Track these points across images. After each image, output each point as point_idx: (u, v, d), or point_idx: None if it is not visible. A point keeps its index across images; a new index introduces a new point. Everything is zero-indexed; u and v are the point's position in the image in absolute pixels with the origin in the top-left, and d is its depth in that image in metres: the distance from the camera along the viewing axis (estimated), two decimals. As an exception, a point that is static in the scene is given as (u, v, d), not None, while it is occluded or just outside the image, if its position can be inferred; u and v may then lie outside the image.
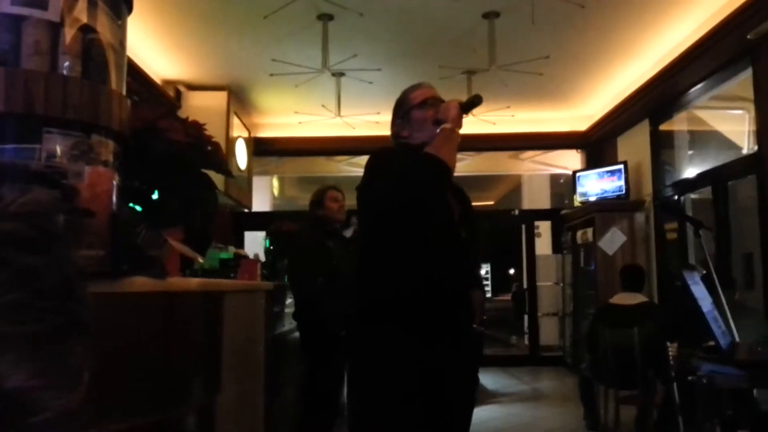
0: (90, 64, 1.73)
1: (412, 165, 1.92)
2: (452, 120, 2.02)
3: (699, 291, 2.49)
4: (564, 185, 9.59)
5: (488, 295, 12.38)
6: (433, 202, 1.95)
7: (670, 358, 3.29)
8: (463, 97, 6.73)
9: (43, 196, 0.78)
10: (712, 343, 2.48)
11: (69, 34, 1.69)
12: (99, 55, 1.74)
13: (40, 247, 0.74)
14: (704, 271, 3.00)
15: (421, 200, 1.91)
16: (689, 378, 2.63)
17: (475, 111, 7.28)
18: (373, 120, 6.35)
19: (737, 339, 2.63)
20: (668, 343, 3.35)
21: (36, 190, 0.91)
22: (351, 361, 2.01)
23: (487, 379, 7.10)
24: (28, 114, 1.59)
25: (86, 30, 1.72)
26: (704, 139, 6.51)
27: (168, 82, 6.29)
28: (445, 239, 1.96)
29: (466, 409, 2.03)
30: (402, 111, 2.15)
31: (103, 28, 1.76)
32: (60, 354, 0.75)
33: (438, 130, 2.01)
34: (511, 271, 15.60)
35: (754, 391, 2.66)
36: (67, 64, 1.68)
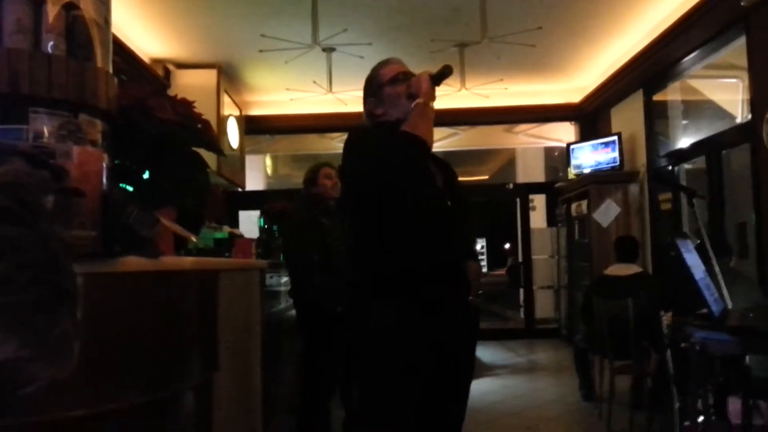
0: (74, 42, 1.70)
1: (390, 145, 1.93)
2: (425, 94, 2.03)
3: (692, 259, 2.51)
4: (558, 158, 9.58)
5: (484, 269, 12.43)
6: (415, 178, 1.95)
7: (664, 326, 3.32)
8: (455, 70, 6.65)
9: (23, 168, 0.78)
10: (704, 310, 2.50)
11: (52, 11, 1.66)
12: (83, 33, 1.71)
13: (19, 218, 0.73)
14: (698, 240, 3.02)
15: (402, 178, 1.93)
16: (682, 345, 2.66)
17: (467, 84, 7.20)
18: (365, 96, 6.26)
19: (729, 306, 2.65)
20: (662, 312, 3.38)
21: (15, 161, 0.89)
22: (355, 337, 2.05)
23: (484, 353, 7.17)
24: (14, 94, 1.57)
25: (69, 7, 1.69)
26: (698, 108, 6.50)
27: (156, 61, 6.21)
28: (431, 211, 1.97)
29: (467, 378, 2.07)
30: (373, 89, 2.15)
31: (87, 4, 1.73)
32: (47, 324, 0.75)
33: (412, 106, 2.01)
34: (506, 245, 15.66)
35: (746, 357, 2.70)
36: (51, 42, 1.66)
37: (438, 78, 2.08)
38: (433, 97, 2.06)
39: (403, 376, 1.88)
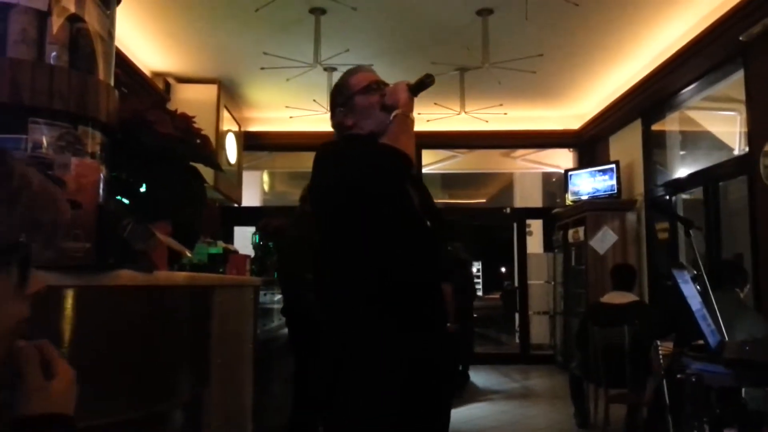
0: (77, 54, 1.70)
1: (369, 158, 1.79)
2: (403, 105, 1.87)
3: (688, 289, 2.50)
4: (556, 184, 9.61)
5: (479, 293, 12.38)
6: (396, 194, 1.83)
7: (660, 356, 3.30)
8: (455, 94, 6.60)
9: None
10: (701, 341, 2.49)
11: (56, 23, 1.67)
12: (87, 45, 1.72)
13: None
14: (695, 272, 3.01)
15: (383, 193, 1.79)
16: (678, 376, 2.64)
17: (467, 108, 7.19)
18: (365, 116, 6.29)
19: (727, 338, 2.63)
20: (659, 342, 3.36)
21: None
22: (328, 354, 1.86)
23: (478, 377, 7.11)
24: (14, 103, 1.57)
25: (74, 19, 1.70)
26: (696, 139, 6.54)
27: (157, 75, 6.24)
28: (412, 230, 1.85)
29: (448, 398, 1.98)
30: (343, 98, 1.98)
31: (91, 17, 1.74)
32: None
33: (391, 117, 1.87)
34: (503, 270, 15.62)
35: (743, 389, 2.67)
36: (54, 53, 1.66)
37: (417, 88, 1.91)
38: (412, 108, 1.90)
39: (380, 396, 1.74)
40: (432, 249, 1.89)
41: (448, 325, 1.98)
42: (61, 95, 1.61)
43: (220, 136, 6.53)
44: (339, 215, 1.83)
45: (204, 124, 2.34)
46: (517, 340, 8.87)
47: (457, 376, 6.48)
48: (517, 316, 8.86)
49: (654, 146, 6.57)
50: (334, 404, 1.79)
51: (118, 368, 1.61)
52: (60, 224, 0.85)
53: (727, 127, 5.91)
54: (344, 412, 1.77)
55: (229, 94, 6.81)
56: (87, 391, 1.53)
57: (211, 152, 2.33)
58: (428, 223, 1.90)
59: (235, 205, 7.56)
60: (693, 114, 6.31)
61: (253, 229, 5.06)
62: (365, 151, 1.81)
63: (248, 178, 8.29)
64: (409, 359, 1.77)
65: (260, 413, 3.20)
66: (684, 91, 5.74)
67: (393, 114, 1.87)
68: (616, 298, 4.43)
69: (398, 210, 1.83)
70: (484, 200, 12.83)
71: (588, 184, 7.31)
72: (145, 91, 5.70)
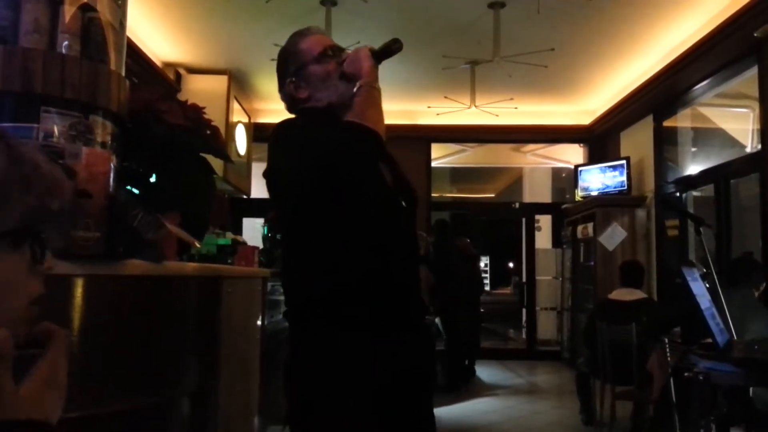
0: (89, 43, 1.71)
1: (334, 138, 1.52)
2: (367, 74, 1.63)
3: (697, 288, 2.48)
4: (565, 179, 9.57)
5: (486, 288, 12.37)
6: (367, 178, 1.58)
7: (667, 353, 3.29)
8: (466, 88, 6.57)
9: None
10: (709, 340, 2.48)
11: (68, 12, 1.67)
12: (98, 35, 1.72)
13: None
14: (704, 269, 2.99)
15: (353, 179, 1.54)
16: (685, 374, 2.63)
17: (477, 101, 7.15)
18: (375, 109, 6.28)
19: (735, 337, 2.62)
20: (665, 339, 3.34)
21: None
22: (291, 364, 1.63)
23: (484, 372, 7.12)
24: (26, 93, 1.58)
25: (86, 9, 1.70)
26: (708, 136, 6.49)
27: (168, 65, 6.25)
28: (386, 215, 1.60)
29: (429, 399, 1.70)
30: (294, 67, 1.72)
31: (103, 7, 1.74)
32: None
33: (355, 90, 1.62)
34: (511, 265, 15.59)
35: (750, 389, 2.66)
36: (66, 43, 1.66)
37: (382, 54, 1.67)
38: (376, 78, 1.65)
39: (354, 406, 1.50)
40: (409, 236, 1.67)
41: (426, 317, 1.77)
42: (72, 85, 1.62)
43: (230, 127, 6.54)
44: (305, 203, 1.57)
45: (214, 115, 2.34)
46: (524, 336, 8.87)
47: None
48: (524, 311, 8.85)
49: (665, 142, 6.53)
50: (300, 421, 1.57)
51: (125, 357, 1.62)
52: (66, 206, 0.87)
53: (740, 124, 5.86)
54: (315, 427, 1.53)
55: (240, 85, 6.81)
56: (93, 379, 1.54)
57: (221, 143, 2.33)
58: (403, 203, 1.66)
59: (244, 196, 7.58)
60: (705, 110, 6.26)
61: (262, 220, 5.07)
62: (330, 131, 1.54)
63: (257, 169, 8.28)
64: (385, 366, 1.54)
65: (267, 404, 3.22)
66: (696, 87, 5.69)
67: (357, 85, 1.62)
68: (624, 295, 4.41)
69: (371, 193, 1.58)
70: (493, 195, 12.80)
71: (598, 179, 7.27)
72: (155, 82, 5.72)
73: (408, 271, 1.63)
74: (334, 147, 1.51)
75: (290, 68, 1.73)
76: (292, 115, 1.76)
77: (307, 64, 1.70)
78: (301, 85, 1.71)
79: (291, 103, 1.76)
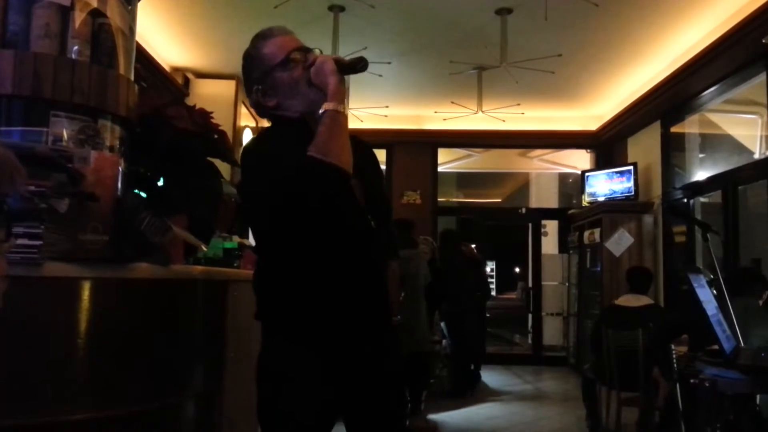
0: (99, 48, 1.73)
1: (298, 175, 1.47)
2: (333, 94, 1.53)
3: (704, 294, 2.47)
4: (572, 185, 9.55)
5: (492, 293, 12.35)
6: (332, 213, 1.53)
7: (674, 358, 3.28)
8: (473, 93, 6.55)
9: None
10: (716, 346, 2.46)
11: (79, 18, 1.69)
12: (108, 40, 1.74)
13: None
14: (711, 276, 2.98)
15: (312, 213, 1.50)
16: (691, 381, 2.62)
17: (484, 107, 7.15)
18: (381, 113, 6.34)
19: (742, 343, 2.61)
20: (673, 346, 3.33)
21: None
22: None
23: (489, 377, 7.10)
24: (36, 97, 1.60)
25: (96, 14, 1.72)
26: (715, 142, 6.46)
27: (176, 70, 6.28)
28: (347, 239, 1.58)
29: (400, 403, 1.75)
30: (258, 73, 1.64)
31: (113, 13, 1.76)
32: None
33: (320, 113, 1.52)
34: (517, 270, 15.56)
35: (757, 396, 2.65)
36: (75, 48, 1.68)
37: (347, 69, 1.59)
38: (343, 98, 1.55)
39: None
40: (373, 257, 1.64)
41: (394, 318, 1.76)
42: (81, 89, 1.64)
43: (238, 131, 6.56)
44: (268, 227, 1.60)
45: (222, 119, 2.36)
46: (530, 341, 8.84)
47: (465, 377, 6.47)
48: (530, 316, 8.83)
49: (673, 148, 6.51)
50: None
51: (132, 360, 1.63)
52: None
53: (748, 130, 5.83)
54: None
55: (247, 89, 6.84)
56: (100, 382, 1.55)
57: (228, 148, 2.35)
58: (372, 223, 1.63)
59: (251, 200, 7.59)
60: (713, 117, 6.23)
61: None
62: (293, 164, 1.47)
63: (264, 173, 8.32)
64: (328, 381, 1.55)
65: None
66: (704, 93, 5.67)
67: (321, 110, 1.52)
68: (630, 300, 4.39)
69: (333, 221, 1.54)
70: (499, 200, 12.78)
71: (605, 185, 7.25)
72: (164, 86, 5.75)
73: (366, 288, 1.61)
74: (296, 191, 1.47)
75: (254, 74, 1.66)
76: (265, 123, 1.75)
77: (272, 71, 1.62)
78: (268, 92, 1.64)
79: (260, 111, 1.70)
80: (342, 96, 1.55)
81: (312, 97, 1.58)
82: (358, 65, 1.58)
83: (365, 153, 1.71)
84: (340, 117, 1.52)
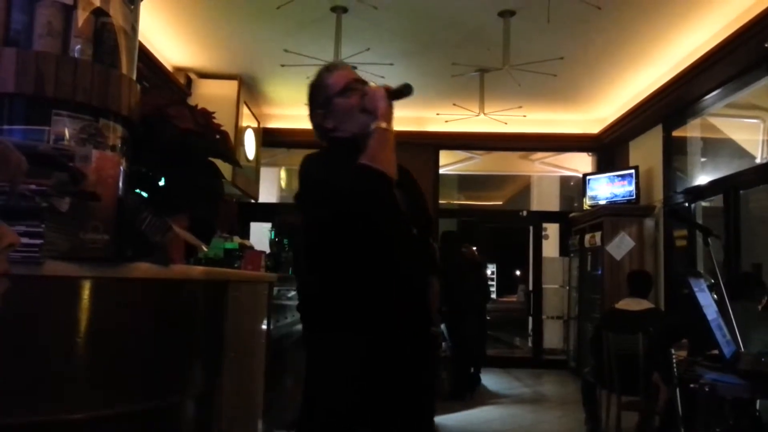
0: (101, 47, 1.73)
1: (349, 180, 1.71)
2: (383, 116, 1.78)
3: (704, 298, 2.47)
4: (574, 188, 9.55)
5: (493, 296, 12.34)
6: (379, 215, 1.75)
7: (674, 362, 3.27)
8: (475, 95, 6.57)
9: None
10: (716, 351, 2.46)
11: (82, 17, 1.69)
12: (110, 39, 1.74)
13: None
14: (712, 280, 2.97)
15: (363, 217, 1.73)
16: (691, 385, 2.61)
17: (486, 109, 7.16)
18: (384, 115, 6.30)
19: (742, 348, 2.60)
20: (673, 351, 3.32)
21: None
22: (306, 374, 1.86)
23: (489, 380, 7.09)
24: (38, 96, 1.60)
25: (99, 13, 1.72)
26: (717, 146, 6.45)
27: (179, 69, 6.29)
28: (396, 244, 1.79)
29: (429, 412, 1.95)
30: (321, 99, 1.91)
31: (116, 12, 1.76)
32: None
33: (370, 130, 1.77)
34: (517, 273, 15.54)
35: (757, 401, 2.64)
36: (78, 47, 1.68)
37: (395, 95, 1.83)
38: (391, 118, 1.81)
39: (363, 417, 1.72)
40: (417, 260, 1.85)
41: (432, 329, 1.94)
42: (84, 88, 1.64)
43: (240, 132, 6.57)
44: (324, 233, 1.79)
45: (224, 119, 2.36)
46: (530, 344, 8.83)
47: (465, 379, 6.46)
48: (530, 319, 8.82)
49: (674, 152, 6.50)
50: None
51: (132, 359, 1.63)
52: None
53: (750, 134, 5.83)
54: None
55: (249, 90, 6.85)
56: (99, 381, 1.55)
57: (230, 148, 2.35)
58: (414, 231, 1.84)
59: (252, 201, 7.60)
60: (715, 121, 6.23)
61: (269, 225, 5.09)
62: (346, 172, 1.71)
63: (266, 174, 8.33)
64: (390, 376, 1.73)
65: (271, 408, 3.22)
66: (706, 97, 5.66)
67: (372, 127, 1.77)
68: (631, 304, 4.39)
69: (381, 226, 1.75)
70: (500, 202, 12.78)
71: (606, 188, 7.25)
72: (166, 86, 5.76)
73: (412, 290, 1.81)
74: (347, 191, 1.70)
75: (318, 100, 1.92)
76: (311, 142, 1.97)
77: (332, 98, 1.88)
78: (327, 116, 1.90)
79: (319, 132, 1.95)
80: (390, 117, 1.80)
81: (364, 121, 1.81)
82: (405, 91, 1.83)
83: (409, 175, 1.96)
84: (388, 134, 1.78)
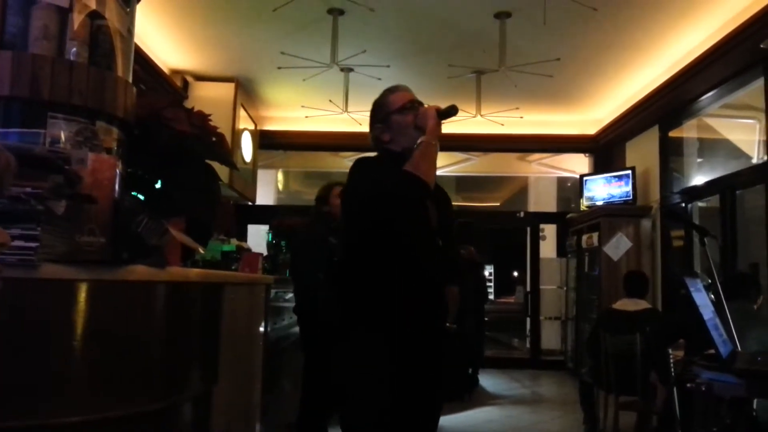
0: (97, 50, 1.73)
1: (392, 183, 1.97)
2: (430, 132, 2.03)
3: (700, 298, 2.48)
4: (571, 189, 9.55)
5: (491, 297, 12.34)
6: (411, 220, 2.01)
7: (671, 362, 3.28)
8: (471, 97, 6.61)
9: None
10: (713, 351, 2.47)
11: (77, 19, 1.69)
12: (106, 42, 1.74)
13: None
14: (709, 280, 2.98)
15: (399, 217, 1.98)
16: (688, 385, 2.62)
17: (483, 111, 7.19)
18: (380, 117, 6.30)
19: (739, 348, 2.61)
20: (670, 351, 3.33)
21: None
22: (337, 369, 2.08)
23: (487, 381, 7.09)
24: (34, 99, 1.60)
25: (94, 16, 1.72)
26: (713, 147, 6.47)
27: (175, 72, 6.29)
28: (421, 251, 2.03)
29: (435, 408, 2.11)
30: (382, 114, 2.17)
31: (112, 14, 1.76)
32: None
33: (417, 143, 2.03)
34: (515, 274, 15.56)
35: (754, 401, 2.65)
36: (74, 49, 1.68)
37: (444, 115, 2.08)
38: (438, 135, 2.06)
39: (383, 407, 1.93)
40: (437, 268, 2.06)
41: (448, 324, 2.15)
42: (79, 91, 1.64)
43: (236, 134, 6.57)
44: (360, 225, 2.05)
45: (220, 122, 2.36)
46: (528, 345, 8.83)
47: (463, 380, 6.46)
48: (528, 320, 8.82)
49: (671, 153, 6.52)
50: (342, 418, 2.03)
51: (129, 362, 1.63)
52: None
53: (746, 134, 5.84)
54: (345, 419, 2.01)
55: (246, 92, 6.85)
56: (96, 384, 1.55)
57: (227, 150, 2.35)
58: (439, 242, 2.08)
59: (250, 203, 7.59)
60: (711, 121, 6.24)
61: (266, 227, 5.09)
62: (392, 176, 1.97)
63: (263, 176, 8.32)
64: (407, 372, 1.95)
65: (269, 411, 3.22)
66: (702, 98, 5.68)
67: (419, 140, 2.02)
68: (628, 305, 4.39)
69: (412, 235, 2.01)
70: (498, 203, 12.77)
71: (603, 189, 7.26)
72: (162, 89, 5.75)
73: (432, 294, 2.04)
74: (390, 188, 1.96)
75: (378, 115, 2.17)
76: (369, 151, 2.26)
77: (391, 114, 2.13)
78: (385, 130, 2.14)
79: (376, 143, 2.18)
80: (436, 134, 2.05)
81: (415, 137, 2.05)
82: (452, 111, 2.08)
83: (444, 194, 2.23)
84: (432, 148, 2.03)
